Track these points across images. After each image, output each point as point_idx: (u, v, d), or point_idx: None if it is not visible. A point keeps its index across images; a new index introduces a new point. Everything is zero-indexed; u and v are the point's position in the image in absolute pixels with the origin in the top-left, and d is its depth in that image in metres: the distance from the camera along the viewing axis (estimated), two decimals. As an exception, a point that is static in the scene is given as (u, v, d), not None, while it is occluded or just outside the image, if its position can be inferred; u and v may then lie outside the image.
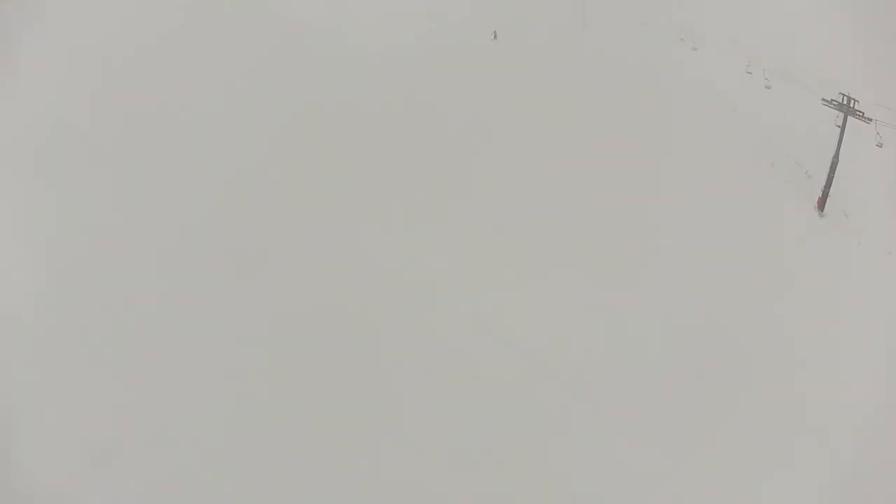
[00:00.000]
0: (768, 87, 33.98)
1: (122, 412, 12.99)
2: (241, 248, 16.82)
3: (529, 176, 23.00)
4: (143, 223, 17.10)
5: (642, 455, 14.59)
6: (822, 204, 27.04)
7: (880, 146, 26.70)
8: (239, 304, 15.42)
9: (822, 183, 27.08)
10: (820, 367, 18.73)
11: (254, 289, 15.81)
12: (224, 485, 12.18)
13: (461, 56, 26.98)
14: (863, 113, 25.38)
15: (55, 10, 23.46)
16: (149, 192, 18.22)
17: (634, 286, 19.51)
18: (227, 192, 18.41)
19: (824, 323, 20.52)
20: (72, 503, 11.80)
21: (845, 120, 26.07)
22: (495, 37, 30.97)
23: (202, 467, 12.37)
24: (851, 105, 25.73)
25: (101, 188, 18.05)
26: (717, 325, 19.33)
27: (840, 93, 26.08)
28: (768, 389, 17.46)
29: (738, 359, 18.25)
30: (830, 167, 26.73)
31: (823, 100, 26.84)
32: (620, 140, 27.33)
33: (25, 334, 14.07)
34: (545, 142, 25.15)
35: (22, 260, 15.62)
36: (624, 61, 33.57)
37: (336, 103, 22.69)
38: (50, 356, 13.86)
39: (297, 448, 12.99)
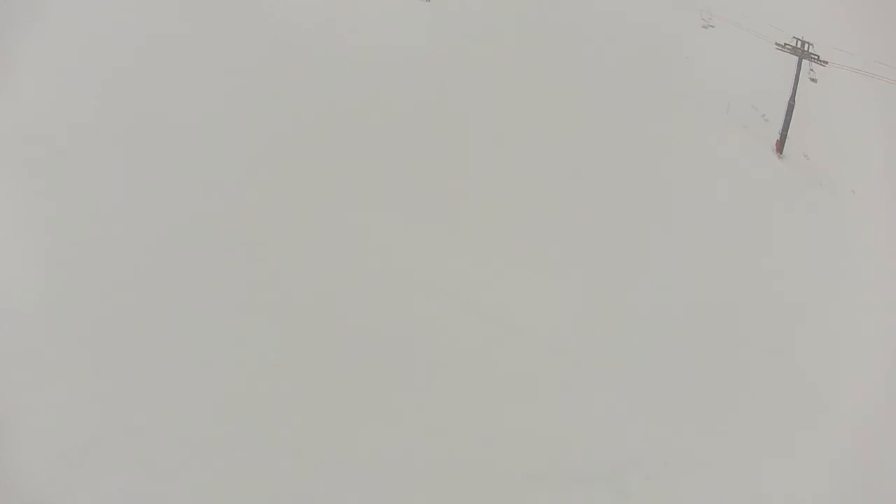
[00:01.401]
0: (707, 26, 34.36)
1: (106, 408, 12.81)
2: (241, 249, 16.67)
3: (526, 157, 23.04)
4: (142, 223, 16.73)
5: (639, 446, 14.78)
6: (780, 146, 27.86)
7: (814, 81, 27.49)
8: (238, 303, 15.31)
9: (779, 126, 27.88)
10: (805, 320, 19.28)
11: (253, 289, 15.68)
12: (212, 480, 12.17)
13: (461, 54, 26.60)
14: (818, 56, 25.99)
15: (55, 9, 22.66)
16: (148, 191, 17.65)
17: (619, 259, 19.75)
18: (228, 191, 18.16)
19: (809, 270, 21.21)
20: (60, 496, 11.66)
21: (800, 63, 26.69)
22: None
23: (189, 463, 12.35)
24: (805, 48, 26.31)
25: (101, 188, 17.51)
26: (706, 291, 19.56)
27: (794, 37, 26.61)
28: (754, 351, 17.88)
29: (733, 328, 18.66)
30: (787, 110, 27.47)
31: (777, 44, 27.37)
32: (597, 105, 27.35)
33: (17, 332, 13.82)
34: (538, 125, 25.12)
35: (21, 260, 15.39)
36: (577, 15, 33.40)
37: (336, 102, 22.52)
38: (38, 353, 13.57)
39: (288, 442, 13.01)
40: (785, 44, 26.93)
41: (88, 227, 16.51)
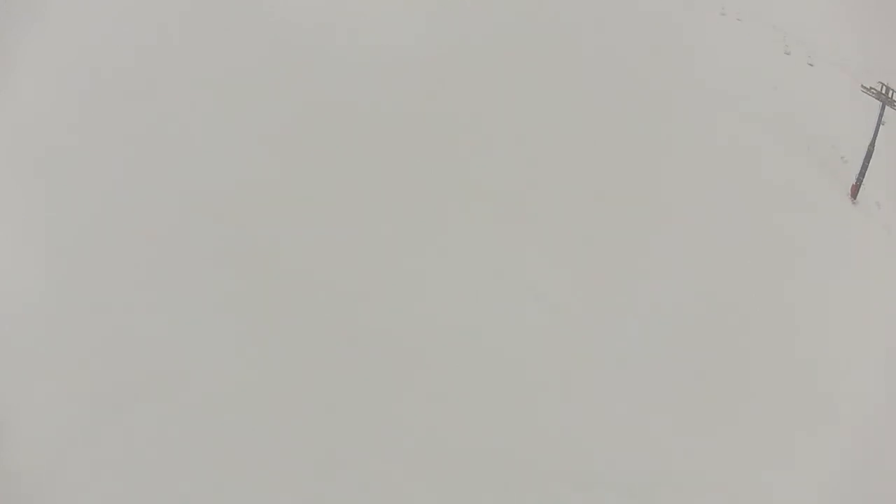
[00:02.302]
0: (811, 65, 33.46)
1: (106, 408, 13.31)
2: (241, 248, 17.16)
3: (532, 156, 22.99)
4: (142, 223, 17.24)
5: (639, 449, 15.05)
6: (855, 192, 27.22)
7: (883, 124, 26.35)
8: (238, 303, 15.82)
9: (857, 170, 27.18)
10: (843, 359, 19.24)
11: (253, 289, 16.24)
12: (212, 479, 12.63)
13: (461, 53, 26.67)
14: (902, 102, 25.33)
15: (55, 9, 23.21)
16: (148, 191, 18.09)
17: (648, 275, 19.69)
18: (227, 191, 18.49)
19: (851, 315, 20.82)
20: (60, 496, 12.13)
21: (883, 108, 26.03)
22: None
23: (189, 463, 12.77)
24: (889, 95, 25.66)
25: (100, 188, 17.97)
26: (739, 315, 19.58)
27: (879, 81, 25.99)
28: (785, 383, 17.83)
29: (762, 345, 18.83)
30: (866, 155, 26.82)
31: (863, 87, 26.75)
32: (648, 121, 26.52)
33: (17, 333, 14.30)
34: (551, 126, 24.72)
35: (21, 260, 15.89)
36: (659, 34, 32.85)
37: (336, 102, 22.48)
38: (39, 353, 14.11)
39: (288, 442, 13.39)
40: (870, 87, 26.32)
41: (88, 227, 16.81)
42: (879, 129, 26.22)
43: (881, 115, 26.04)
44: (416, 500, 13.13)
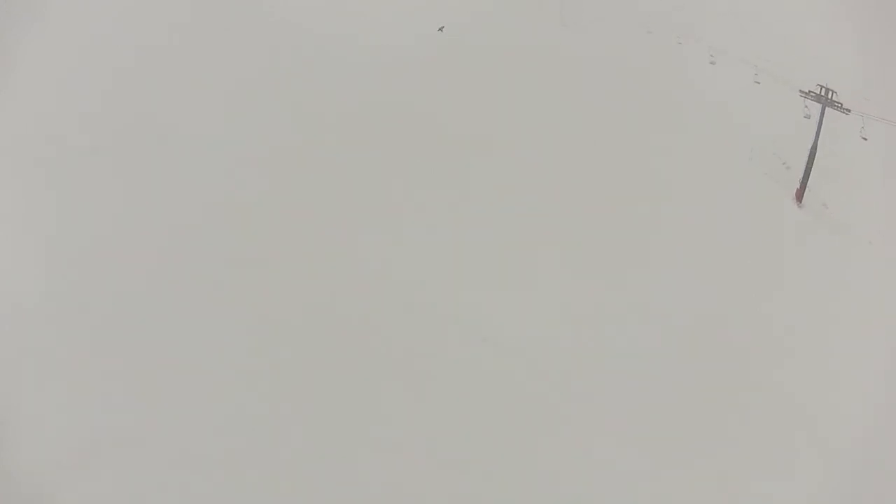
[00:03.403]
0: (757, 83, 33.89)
1: (107, 409, 12.98)
2: (241, 249, 16.92)
3: (525, 174, 22.98)
4: (142, 223, 17.04)
5: (633, 455, 14.53)
6: (800, 195, 27.26)
7: (865, 139, 26.90)
8: (239, 304, 15.51)
9: (800, 174, 27.32)
10: (809, 359, 18.90)
11: (252, 288, 15.92)
12: (212, 480, 12.20)
13: (460, 57, 26.93)
14: (841, 104, 25.59)
15: (55, 9, 23.29)
16: (148, 191, 18.00)
17: (622, 284, 19.49)
18: (227, 191, 18.40)
19: (811, 315, 20.72)
20: (60, 496, 11.75)
21: (823, 111, 26.27)
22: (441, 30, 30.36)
23: (190, 463, 12.40)
24: (829, 96, 25.94)
25: (100, 188, 17.89)
26: (704, 322, 19.23)
27: (818, 84, 26.28)
28: (760, 388, 17.47)
29: (728, 356, 18.34)
30: (808, 158, 26.97)
31: (801, 91, 27.05)
32: (607, 134, 27.19)
33: (18, 333, 14.04)
34: (541, 138, 25.07)
35: (22, 260, 15.60)
36: (609, 58, 33.43)
37: (336, 102, 22.70)
38: (39, 353, 13.76)
39: (285, 445, 12.98)
40: (809, 91, 26.61)
41: (88, 226, 16.73)
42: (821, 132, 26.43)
43: (821, 117, 26.26)
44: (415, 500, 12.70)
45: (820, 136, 26.49)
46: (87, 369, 13.63)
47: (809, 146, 26.73)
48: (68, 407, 12.94)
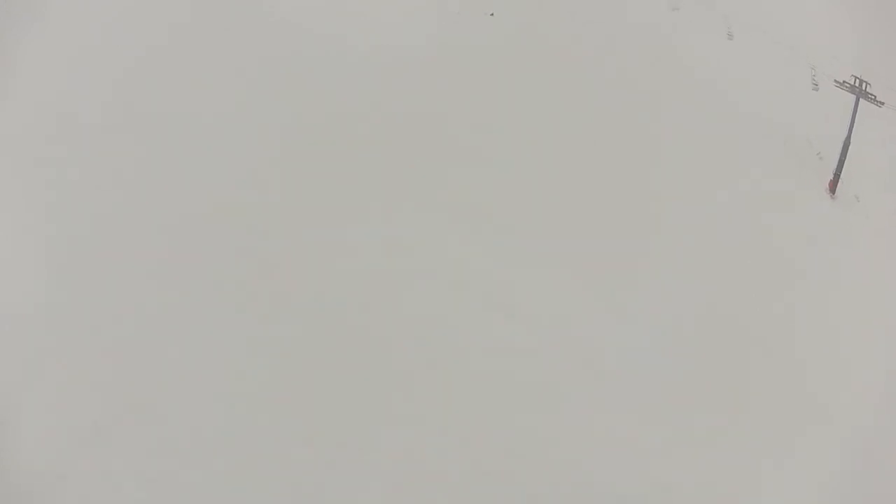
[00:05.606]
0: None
1: (106, 408, 13.35)
2: (242, 246, 17.20)
3: (533, 167, 22.89)
4: (143, 223, 17.29)
5: (643, 443, 15.01)
6: (833, 186, 27.06)
7: None
8: (240, 301, 15.86)
9: (833, 165, 27.06)
10: (831, 350, 19.22)
11: (255, 287, 16.26)
12: (212, 479, 12.62)
13: (462, 54, 26.58)
14: (875, 96, 25.26)
15: (55, 9, 23.12)
16: (148, 191, 18.16)
17: (642, 271, 19.81)
18: (227, 191, 18.54)
19: (838, 306, 20.78)
20: (65, 481, 12.12)
21: (857, 102, 25.95)
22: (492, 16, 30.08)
23: (190, 463, 12.78)
24: (863, 88, 25.60)
25: (100, 188, 18.03)
26: (726, 312, 19.60)
27: (852, 75, 25.94)
28: (777, 380, 17.84)
29: (749, 346, 18.70)
30: (842, 149, 26.70)
31: (835, 81, 26.72)
32: (630, 118, 26.68)
33: (18, 333, 14.35)
34: (550, 130, 24.84)
35: (22, 260, 15.89)
36: (642, 41, 32.80)
37: (336, 102, 22.50)
38: (40, 352, 14.12)
39: (289, 431, 13.44)
40: (843, 81, 26.27)
41: (88, 227, 16.86)
42: (855, 123, 26.11)
43: (856, 109, 25.93)
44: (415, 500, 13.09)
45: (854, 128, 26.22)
46: (87, 369, 13.82)
47: (843, 137, 26.48)
48: (68, 407, 13.17)
